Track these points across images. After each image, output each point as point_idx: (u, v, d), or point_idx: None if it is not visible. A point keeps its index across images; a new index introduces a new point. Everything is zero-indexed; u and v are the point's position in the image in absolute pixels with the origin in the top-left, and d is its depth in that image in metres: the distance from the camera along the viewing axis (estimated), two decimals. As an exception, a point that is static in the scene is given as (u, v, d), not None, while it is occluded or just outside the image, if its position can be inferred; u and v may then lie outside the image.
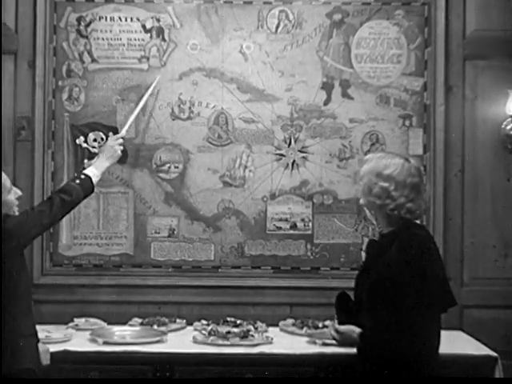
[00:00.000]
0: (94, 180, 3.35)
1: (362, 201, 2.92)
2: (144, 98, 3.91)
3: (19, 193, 3.03)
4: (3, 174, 2.96)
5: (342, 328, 3.01)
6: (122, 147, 3.64)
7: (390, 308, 2.70)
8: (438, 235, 3.91)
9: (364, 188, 2.88)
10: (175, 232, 4.01)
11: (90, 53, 4.03)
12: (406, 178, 2.80)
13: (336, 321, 3.16)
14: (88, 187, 3.30)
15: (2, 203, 2.91)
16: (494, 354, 3.33)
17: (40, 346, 3.03)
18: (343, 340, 3.04)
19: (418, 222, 2.93)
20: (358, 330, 2.89)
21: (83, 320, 3.78)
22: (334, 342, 3.17)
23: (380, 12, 4.03)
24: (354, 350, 2.94)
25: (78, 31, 4.03)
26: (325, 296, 3.67)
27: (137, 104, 3.92)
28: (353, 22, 4.02)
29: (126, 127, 3.79)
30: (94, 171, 3.39)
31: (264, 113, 4.02)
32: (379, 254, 2.83)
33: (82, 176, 3.31)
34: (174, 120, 4.02)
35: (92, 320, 3.80)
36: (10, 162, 3.95)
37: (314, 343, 3.41)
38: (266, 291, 3.98)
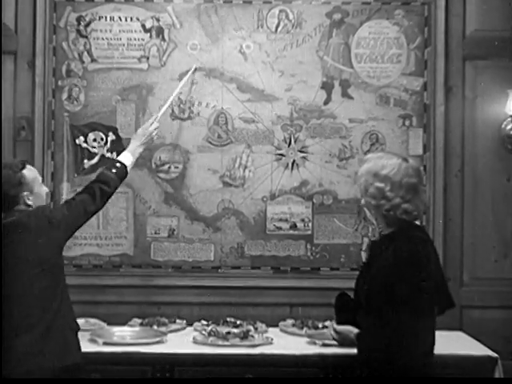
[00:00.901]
0: (129, 168, 3.41)
1: (362, 201, 2.92)
2: (180, 85, 3.90)
3: (47, 190, 3.10)
4: (33, 168, 3.02)
5: (340, 328, 3.03)
6: (156, 131, 3.69)
7: (385, 309, 2.70)
8: (437, 235, 3.93)
9: (361, 188, 2.89)
10: (175, 232, 4.01)
11: (89, 53, 4.03)
12: (402, 179, 2.79)
13: (334, 321, 3.17)
14: (123, 175, 3.36)
15: (35, 195, 2.97)
16: (494, 355, 3.33)
17: None
18: (341, 340, 3.06)
19: (417, 223, 2.92)
20: (355, 330, 2.90)
21: (83, 320, 3.77)
22: (333, 342, 3.19)
23: (380, 12, 4.02)
24: (353, 351, 2.94)
25: (78, 31, 4.02)
26: (325, 296, 3.66)
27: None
28: (353, 21, 4.02)
29: (162, 112, 3.79)
30: (129, 158, 3.45)
31: (264, 113, 4.01)
32: (378, 255, 2.83)
33: (118, 164, 3.35)
34: (173, 120, 4.02)
35: (92, 320, 3.80)
36: (10, 161, 3.95)
37: (314, 344, 3.41)
38: (266, 291, 3.97)
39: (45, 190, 3.07)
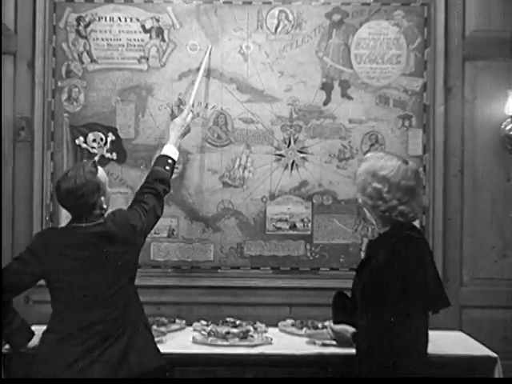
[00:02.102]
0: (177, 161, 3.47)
1: (359, 200, 2.92)
2: (202, 67, 3.93)
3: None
4: (101, 168, 2.97)
5: (336, 328, 3.03)
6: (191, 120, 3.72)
7: (379, 308, 2.71)
8: (437, 235, 3.93)
9: (359, 187, 2.89)
10: (175, 232, 4.01)
11: (89, 53, 4.03)
12: (400, 181, 2.80)
13: (332, 320, 3.18)
14: (173, 172, 3.39)
15: (107, 196, 2.94)
16: (494, 355, 3.33)
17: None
18: (339, 339, 3.06)
19: (415, 223, 2.92)
20: (351, 329, 2.90)
21: (83, 321, 3.77)
22: (333, 342, 3.19)
23: (379, 12, 4.03)
24: (352, 351, 2.95)
25: (78, 31, 4.02)
26: (324, 296, 3.64)
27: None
28: (352, 22, 4.02)
29: (191, 101, 3.81)
30: (176, 152, 3.46)
31: (263, 113, 4.02)
32: (373, 255, 2.84)
33: (170, 161, 3.36)
34: (173, 120, 4.01)
35: (91, 320, 3.79)
36: (10, 162, 3.96)
37: (314, 344, 3.42)
38: (266, 292, 3.97)
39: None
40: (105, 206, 2.92)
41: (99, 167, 2.96)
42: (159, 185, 3.19)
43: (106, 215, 2.96)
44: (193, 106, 3.86)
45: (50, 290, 2.94)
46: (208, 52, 3.98)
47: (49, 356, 2.82)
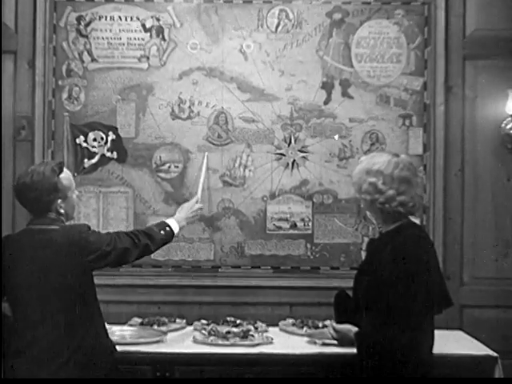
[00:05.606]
0: (175, 236, 3.30)
1: (361, 203, 2.94)
2: (203, 168, 3.91)
3: (77, 193, 3.00)
4: (68, 171, 2.92)
5: (339, 327, 3.04)
6: (200, 211, 3.62)
7: (384, 307, 2.71)
8: (437, 235, 3.93)
9: (356, 187, 2.93)
10: (175, 232, 4.01)
11: (89, 52, 4.03)
12: (393, 172, 2.83)
13: (334, 320, 3.18)
14: (167, 241, 3.24)
15: (67, 201, 2.85)
16: (494, 354, 3.33)
17: None
18: (341, 339, 3.06)
19: (417, 221, 2.93)
20: (354, 329, 2.91)
21: (83, 320, 3.77)
22: (333, 341, 3.19)
23: (380, 11, 4.02)
24: (353, 350, 2.94)
25: (78, 30, 4.02)
26: (325, 296, 3.66)
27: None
28: (353, 21, 4.02)
29: (199, 192, 3.74)
30: (177, 226, 3.30)
31: (264, 112, 4.02)
32: (376, 254, 2.84)
33: (168, 228, 3.23)
34: (173, 119, 4.01)
35: (92, 320, 3.79)
36: (10, 161, 3.96)
37: (314, 343, 3.41)
38: (266, 291, 3.97)
39: (76, 194, 2.95)
40: (62, 211, 2.82)
41: (66, 171, 2.88)
42: (145, 238, 3.03)
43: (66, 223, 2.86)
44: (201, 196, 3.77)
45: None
46: (205, 158, 3.95)
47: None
